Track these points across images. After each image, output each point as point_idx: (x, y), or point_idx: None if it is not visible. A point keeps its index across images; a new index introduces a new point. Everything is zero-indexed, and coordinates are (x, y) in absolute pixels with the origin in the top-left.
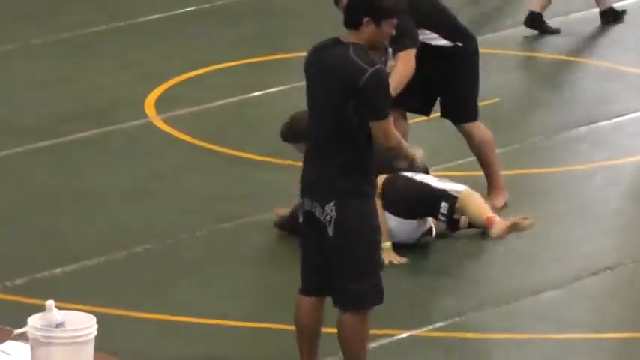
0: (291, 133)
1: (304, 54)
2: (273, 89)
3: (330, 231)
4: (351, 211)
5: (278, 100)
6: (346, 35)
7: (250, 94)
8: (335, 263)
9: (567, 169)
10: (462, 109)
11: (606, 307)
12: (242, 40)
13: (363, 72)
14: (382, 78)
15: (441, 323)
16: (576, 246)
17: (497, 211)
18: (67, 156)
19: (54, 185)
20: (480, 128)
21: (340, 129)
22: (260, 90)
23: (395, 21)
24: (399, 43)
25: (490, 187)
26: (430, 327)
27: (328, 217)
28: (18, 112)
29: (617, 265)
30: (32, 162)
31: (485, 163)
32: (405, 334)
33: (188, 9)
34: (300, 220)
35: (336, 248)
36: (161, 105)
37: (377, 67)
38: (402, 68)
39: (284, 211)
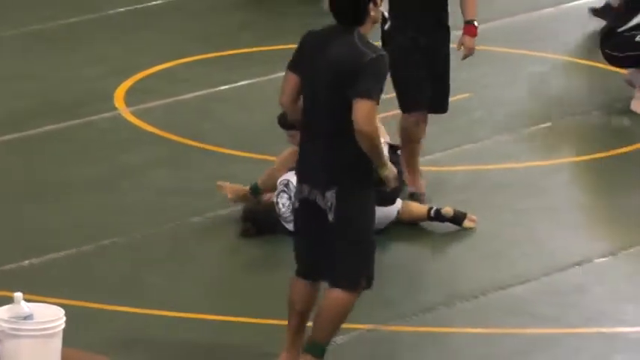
0: None
1: (271, 48)
2: (241, 83)
3: (331, 217)
4: (350, 199)
5: (245, 94)
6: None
7: (218, 88)
8: (331, 247)
9: (533, 165)
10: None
11: (574, 303)
12: (210, 34)
13: (367, 56)
14: (383, 64)
15: (409, 318)
16: (543, 242)
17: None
18: (35, 149)
19: (21, 178)
20: None
21: (344, 118)
22: (228, 84)
23: None
24: None
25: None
26: (399, 321)
27: (329, 204)
28: None
29: (584, 261)
30: (1, 155)
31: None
32: (372, 328)
33: (156, 2)
34: (296, 205)
35: (335, 232)
36: (130, 98)
37: (381, 53)
38: None
39: (232, 188)
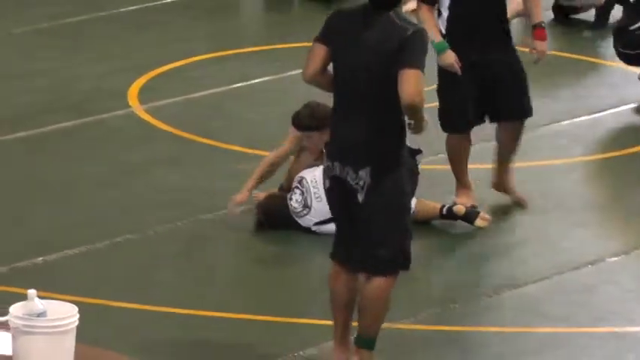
0: (315, 119)
1: (283, 46)
2: (253, 81)
3: (361, 197)
4: (386, 177)
5: (258, 92)
6: None
7: (231, 86)
8: (364, 229)
9: (545, 163)
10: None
11: (586, 302)
12: (222, 32)
13: (408, 30)
14: (425, 37)
15: (422, 316)
16: (556, 241)
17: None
18: (47, 146)
19: (35, 175)
20: None
21: (384, 96)
22: (240, 82)
23: None
24: None
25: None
26: (410, 319)
27: (361, 183)
28: None
29: (597, 260)
30: (12, 152)
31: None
32: (384, 326)
33: (167, 0)
34: (326, 185)
35: (366, 214)
36: (143, 95)
37: (420, 27)
38: None
39: (263, 194)
